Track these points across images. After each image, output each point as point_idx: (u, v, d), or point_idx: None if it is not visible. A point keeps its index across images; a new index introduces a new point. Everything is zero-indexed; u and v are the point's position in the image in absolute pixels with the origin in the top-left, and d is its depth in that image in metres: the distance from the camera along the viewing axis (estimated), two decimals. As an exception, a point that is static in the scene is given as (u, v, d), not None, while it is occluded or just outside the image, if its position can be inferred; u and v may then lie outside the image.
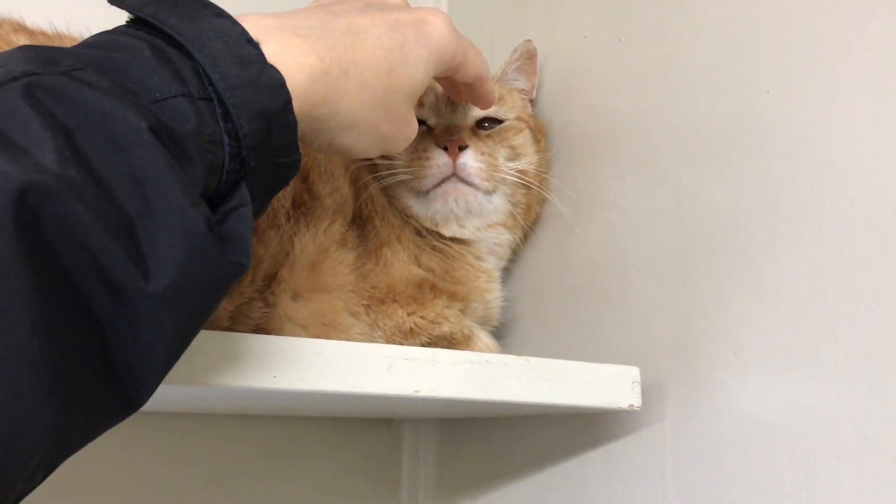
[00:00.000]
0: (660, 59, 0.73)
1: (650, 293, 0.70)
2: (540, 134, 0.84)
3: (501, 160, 0.77)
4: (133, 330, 0.35)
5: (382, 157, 0.75)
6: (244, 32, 0.41)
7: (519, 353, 0.61)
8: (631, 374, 0.65)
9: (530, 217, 0.83)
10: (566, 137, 0.84)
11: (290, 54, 0.43)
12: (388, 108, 0.51)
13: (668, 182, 0.70)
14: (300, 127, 0.43)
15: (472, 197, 0.75)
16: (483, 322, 0.78)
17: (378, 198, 0.74)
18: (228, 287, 0.39)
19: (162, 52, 0.39)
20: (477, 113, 0.79)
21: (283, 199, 0.66)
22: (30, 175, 0.31)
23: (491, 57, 0.90)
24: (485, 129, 0.80)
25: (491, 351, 0.73)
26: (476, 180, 0.74)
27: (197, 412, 0.88)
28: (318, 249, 0.67)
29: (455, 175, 0.74)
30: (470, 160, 0.74)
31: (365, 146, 0.51)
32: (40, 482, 0.34)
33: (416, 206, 0.76)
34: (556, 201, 0.82)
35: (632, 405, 0.64)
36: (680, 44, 0.71)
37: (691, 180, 0.68)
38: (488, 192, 0.76)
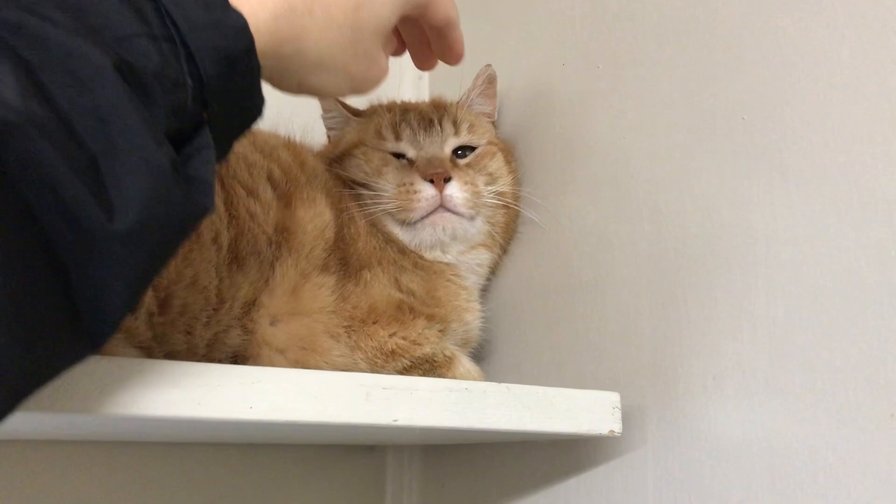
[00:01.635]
0: (635, 85, 0.74)
1: (629, 317, 0.71)
2: (510, 155, 0.87)
3: (482, 185, 0.80)
4: (95, 269, 0.34)
5: (367, 188, 0.77)
6: None
7: (498, 377, 0.62)
8: (611, 399, 0.65)
9: (508, 235, 0.85)
10: (543, 162, 0.85)
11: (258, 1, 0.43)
12: (356, 46, 0.50)
13: (645, 207, 0.71)
14: (268, 66, 0.43)
15: (458, 224, 0.78)
16: (463, 344, 0.79)
17: (359, 220, 0.75)
18: (191, 229, 0.39)
19: None
20: (453, 142, 0.82)
21: (266, 224, 0.66)
22: None
23: (465, 83, 0.91)
24: (461, 157, 0.82)
25: (472, 375, 0.73)
26: (462, 209, 0.77)
27: (175, 442, 0.87)
28: (300, 274, 0.67)
29: (442, 206, 0.77)
30: (456, 191, 0.77)
31: (334, 86, 0.51)
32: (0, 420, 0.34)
33: (403, 235, 0.78)
34: (534, 216, 0.83)
35: (612, 431, 0.64)
36: (656, 70, 0.72)
37: (668, 205, 0.69)
38: (472, 218, 0.79)
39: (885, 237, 0.53)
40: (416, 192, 0.76)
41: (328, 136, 0.88)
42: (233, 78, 0.41)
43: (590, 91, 0.80)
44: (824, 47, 0.58)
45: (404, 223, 0.77)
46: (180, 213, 0.37)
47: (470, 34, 1.02)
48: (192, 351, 0.60)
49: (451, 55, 0.64)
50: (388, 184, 0.77)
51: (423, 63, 0.67)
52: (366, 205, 0.76)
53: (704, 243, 0.65)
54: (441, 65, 0.64)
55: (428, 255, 0.79)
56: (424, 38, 0.63)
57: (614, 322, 0.72)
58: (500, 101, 0.91)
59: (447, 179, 0.76)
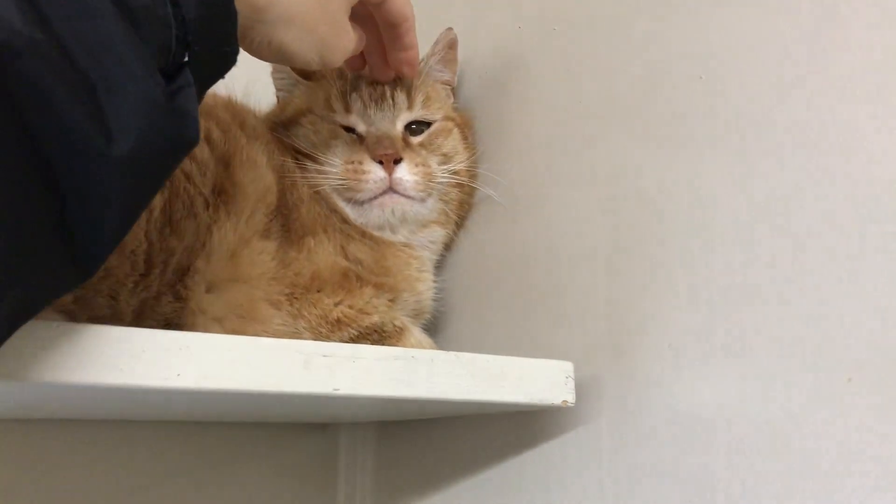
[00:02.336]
0: (593, 47, 0.72)
1: (584, 286, 0.69)
2: (467, 129, 0.83)
3: (434, 166, 0.77)
4: (91, 193, 0.36)
5: (313, 160, 0.74)
6: None
7: (453, 350, 0.59)
8: (564, 368, 0.63)
9: (463, 211, 0.82)
10: (500, 129, 0.82)
11: None
12: (326, 7, 0.54)
13: (601, 172, 0.69)
14: (241, 17, 0.45)
15: (409, 207, 0.75)
16: (416, 316, 0.76)
17: (303, 187, 0.71)
18: (181, 158, 0.41)
19: None
20: (405, 117, 0.78)
21: (202, 186, 0.62)
22: None
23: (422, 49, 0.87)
24: (415, 133, 0.79)
25: (424, 347, 0.71)
26: (412, 192, 0.74)
27: (119, 419, 0.83)
28: (239, 239, 0.63)
29: (391, 189, 0.74)
30: (405, 174, 0.74)
31: (304, 47, 0.53)
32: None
33: (350, 211, 0.75)
34: (492, 192, 0.80)
35: (565, 401, 0.62)
36: (613, 30, 0.70)
37: (623, 169, 0.67)
38: (423, 200, 0.76)
39: (841, 201, 0.51)
40: (364, 172, 0.73)
41: (277, 98, 0.84)
42: (212, 22, 0.43)
43: (546, 54, 0.77)
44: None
45: (351, 201, 0.74)
46: (172, 142, 0.39)
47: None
48: (118, 317, 0.56)
49: (405, 60, 0.70)
50: (336, 159, 0.74)
51: (379, 72, 0.73)
52: (312, 177, 0.73)
53: (661, 210, 0.63)
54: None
55: (376, 234, 0.76)
56: (381, 48, 0.67)
57: (569, 291, 0.70)
58: (460, 67, 0.87)
59: (397, 161, 0.73)
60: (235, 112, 0.71)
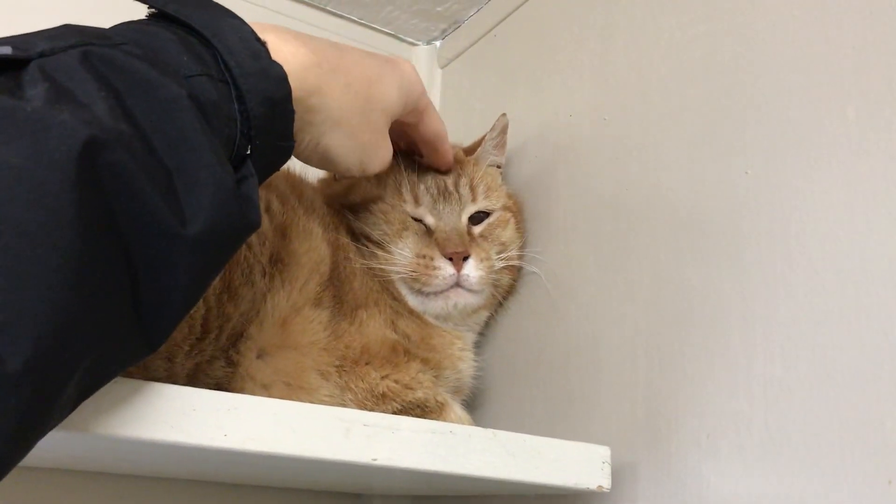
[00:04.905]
0: (641, 139, 0.74)
1: (624, 372, 0.69)
2: (519, 216, 0.86)
3: (494, 256, 0.80)
4: (162, 271, 0.38)
5: (381, 248, 0.76)
6: (253, 31, 0.47)
7: (489, 427, 0.59)
8: (601, 453, 0.63)
9: (509, 293, 0.84)
10: (546, 214, 0.84)
11: (287, 47, 0.50)
12: (368, 116, 0.58)
13: (645, 260, 0.70)
14: (295, 117, 0.49)
15: (470, 300, 0.78)
16: (455, 392, 0.77)
17: (357, 259, 0.74)
18: (244, 239, 0.45)
19: (185, 40, 0.44)
20: (470, 209, 0.81)
21: (260, 255, 0.65)
22: (92, 125, 0.35)
23: (479, 133, 0.90)
24: (475, 222, 0.81)
25: (462, 422, 0.71)
26: (476, 287, 0.77)
27: (158, 476, 0.85)
28: (292, 307, 0.66)
29: (458, 284, 0.77)
30: (472, 271, 0.77)
31: (347, 152, 0.57)
32: (69, 413, 0.38)
33: (411, 299, 0.77)
34: (539, 272, 0.81)
35: (601, 486, 0.62)
36: (662, 124, 0.72)
37: (667, 258, 0.68)
38: (482, 292, 0.79)
39: (887, 298, 0.52)
40: (435, 268, 0.76)
41: (334, 174, 0.87)
42: (273, 119, 0.46)
43: (596, 143, 0.79)
44: (830, 106, 0.57)
45: (415, 290, 0.77)
46: (237, 224, 0.42)
47: (481, 84, 1.03)
48: (173, 379, 0.58)
49: (442, 164, 0.78)
50: (406, 250, 0.77)
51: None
52: (379, 266, 0.76)
53: (703, 298, 0.64)
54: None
55: (434, 323, 0.78)
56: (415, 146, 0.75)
57: (609, 376, 0.71)
58: (509, 150, 0.90)
59: (465, 258, 0.77)
60: (294, 184, 0.74)
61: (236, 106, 0.44)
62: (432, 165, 0.79)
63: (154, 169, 0.38)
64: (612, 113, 0.78)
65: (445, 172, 0.81)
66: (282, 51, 0.48)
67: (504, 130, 0.87)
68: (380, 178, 0.81)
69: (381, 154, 0.62)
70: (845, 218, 0.55)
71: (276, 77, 0.46)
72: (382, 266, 0.75)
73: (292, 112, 0.48)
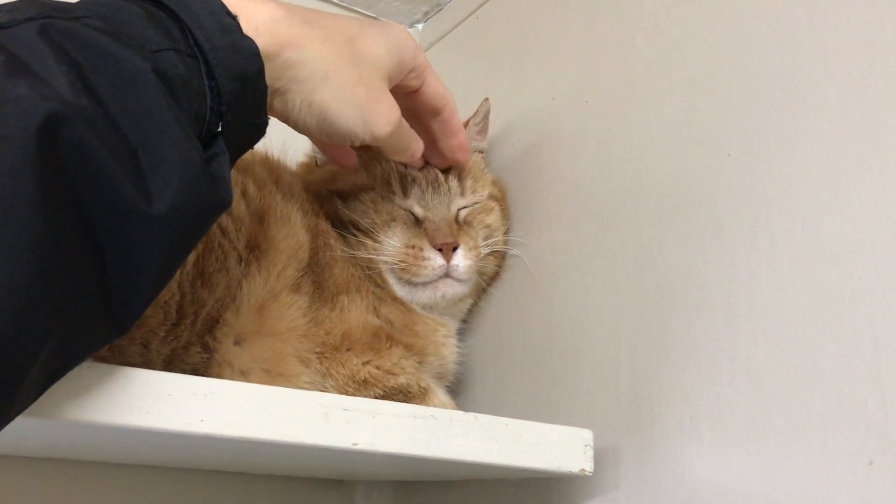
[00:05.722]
0: (624, 122, 0.73)
1: (608, 356, 0.69)
2: (503, 202, 0.85)
3: (481, 243, 0.79)
4: (130, 252, 0.37)
5: (370, 237, 0.75)
6: (224, 6, 0.45)
7: (472, 412, 0.59)
8: (583, 436, 0.62)
9: (493, 279, 0.84)
10: (529, 198, 0.83)
11: (254, 6, 0.48)
12: (360, 70, 0.54)
13: (628, 243, 0.69)
14: (277, 79, 0.48)
15: (458, 289, 0.78)
16: (438, 378, 0.77)
17: (337, 246, 0.73)
18: (214, 219, 0.43)
19: (153, 14, 0.43)
20: (459, 202, 0.80)
21: (237, 241, 0.64)
22: (52, 100, 0.34)
23: (462, 118, 0.90)
24: (463, 210, 0.81)
25: (446, 408, 0.71)
26: (464, 277, 0.77)
27: (137, 463, 0.84)
28: (269, 292, 0.65)
29: (447, 274, 0.76)
30: (461, 260, 0.76)
31: (345, 108, 0.54)
32: (35, 399, 0.37)
33: (399, 289, 0.77)
34: (523, 256, 0.81)
35: (583, 469, 0.62)
36: (645, 107, 0.71)
37: (651, 242, 0.67)
38: (469, 280, 0.78)
39: (869, 281, 0.52)
40: (424, 258, 0.75)
41: (315, 159, 0.86)
42: (245, 95, 0.45)
43: (579, 126, 0.79)
44: (812, 87, 0.57)
45: (404, 281, 0.76)
46: (207, 202, 0.41)
47: (464, 68, 1.02)
48: (149, 365, 0.57)
49: (458, 147, 0.73)
50: (395, 240, 0.76)
51: (438, 162, 0.77)
52: (364, 251, 0.75)
53: (686, 282, 0.63)
54: None
55: (418, 311, 0.77)
56: (430, 140, 0.71)
57: (592, 360, 0.70)
58: (492, 134, 0.89)
59: (455, 248, 0.76)
60: (272, 169, 0.73)
61: (206, 81, 0.43)
62: (446, 146, 0.73)
63: (118, 145, 0.37)
64: (595, 96, 0.78)
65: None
66: (246, 7, 0.47)
67: (486, 115, 0.86)
68: (368, 167, 0.80)
69: (385, 111, 0.57)
70: (828, 200, 0.55)
71: (248, 52, 0.45)
72: (371, 255, 0.75)
73: (264, 87, 0.46)
